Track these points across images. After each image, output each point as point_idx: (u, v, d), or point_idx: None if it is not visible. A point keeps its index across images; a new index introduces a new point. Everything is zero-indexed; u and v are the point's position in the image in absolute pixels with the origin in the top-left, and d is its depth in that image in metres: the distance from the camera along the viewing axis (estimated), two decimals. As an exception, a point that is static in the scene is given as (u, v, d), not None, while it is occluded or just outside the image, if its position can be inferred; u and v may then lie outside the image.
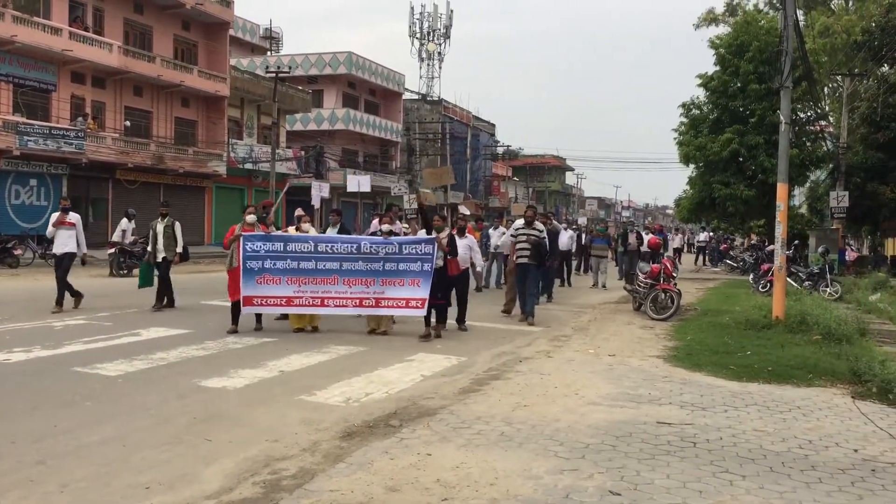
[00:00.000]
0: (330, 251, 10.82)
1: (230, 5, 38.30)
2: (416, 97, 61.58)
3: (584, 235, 25.21)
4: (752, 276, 21.37)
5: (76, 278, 20.07)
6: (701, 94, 30.60)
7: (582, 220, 33.96)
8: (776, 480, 4.99)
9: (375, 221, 14.11)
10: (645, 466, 5.20)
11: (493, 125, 73.64)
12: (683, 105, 31.00)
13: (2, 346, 9.16)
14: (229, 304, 11.10)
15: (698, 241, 41.87)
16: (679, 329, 12.08)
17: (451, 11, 66.50)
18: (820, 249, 22.32)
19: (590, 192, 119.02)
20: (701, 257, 39.27)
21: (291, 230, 11.88)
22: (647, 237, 19.37)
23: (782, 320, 11.59)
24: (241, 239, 10.64)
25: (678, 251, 39.95)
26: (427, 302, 10.64)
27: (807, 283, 19.93)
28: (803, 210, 39.63)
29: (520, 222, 13.40)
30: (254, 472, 4.99)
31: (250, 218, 11.13)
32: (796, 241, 30.58)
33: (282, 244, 10.81)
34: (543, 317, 13.81)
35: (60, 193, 29.74)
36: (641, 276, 14.63)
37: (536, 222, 13.24)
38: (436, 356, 9.48)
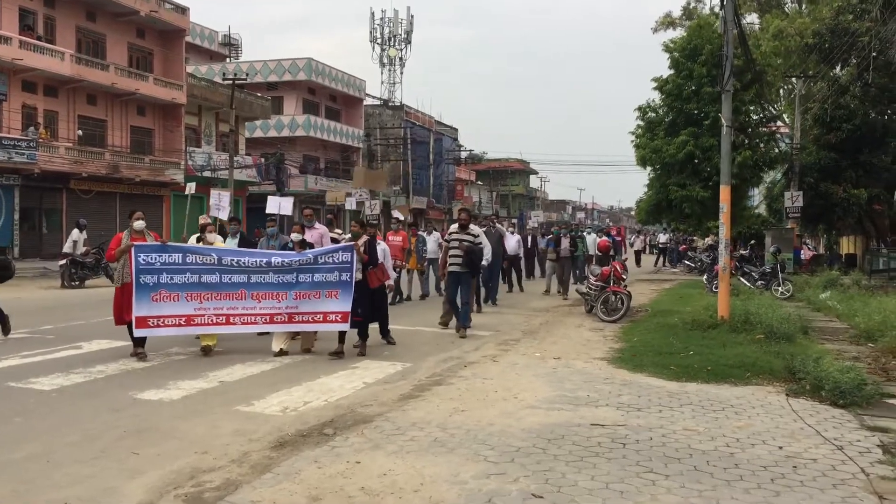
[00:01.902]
0: (236, 264, 9.62)
1: (185, 12, 37.96)
2: (377, 103, 61.53)
3: (538, 238, 24.97)
4: (705, 276, 21.62)
5: (28, 292, 19.72)
6: (657, 97, 30.98)
7: (533, 223, 33.75)
8: (698, 479, 5.07)
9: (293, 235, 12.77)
10: (571, 468, 5.25)
11: (456, 129, 73.80)
12: (640, 108, 31.34)
13: (-64, 362, 8.99)
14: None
15: (659, 243, 42.31)
16: (628, 331, 12.20)
17: (412, 17, 66.71)
18: (771, 249, 22.68)
19: (554, 195, 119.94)
20: (661, 258, 39.70)
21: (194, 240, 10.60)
22: (598, 240, 19.30)
23: (727, 320, 11.75)
24: (133, 250, 9.22)
25: (639, 253, 40.38)
26: (349, 315, 9.77)
27: (759, 282, 20.24)
28: (761, 210, 40.22)
29: (454, 227, 12.49)
30: (177, 484, 4.96)
31: (138, 224, 9.56)
32: (752, 241, 31.11)
33: (180, 255, 9.47)
34: (495, 321, 13.88)
35: (13, 205, 29.33)
36: (592, 279, 14.76)
37: (472, 226, 12.60)
38: (381, 363, 9.47)
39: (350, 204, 23.25)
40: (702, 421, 6.58)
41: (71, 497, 4.69)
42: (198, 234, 10.65)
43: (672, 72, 30.01)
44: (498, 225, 18.52)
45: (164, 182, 35.57)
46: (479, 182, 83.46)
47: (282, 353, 9.75)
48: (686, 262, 34.00)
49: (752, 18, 38.42)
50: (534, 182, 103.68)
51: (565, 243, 19.14)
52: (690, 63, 28.94)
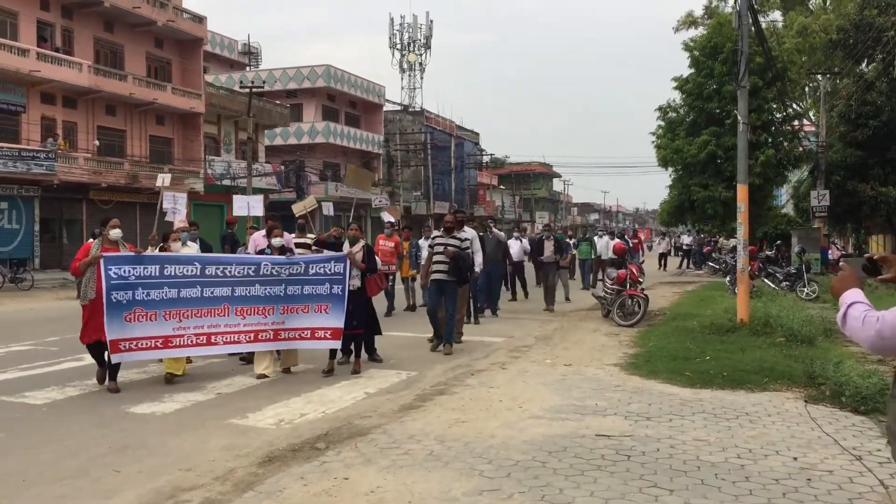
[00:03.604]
0: (220, 275, 8.57)
1: (203, 22, 38.05)
2: (397, 108, 61.45)
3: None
4: (728, 277, 21.15)
5: (43, 302, 19.73)
6: (677, 96, 30.53)
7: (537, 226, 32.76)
8: (704, 494, 4.75)
9: (257, 235, 11.10)
10: (570, 483, 4.96)
11: (478, 134, 73.65)
12: (660, 108, 30.92)
13: (-67, 375, 8.87)
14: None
15: (683, 245, 41.78)
16: (644, 335, 11.85)
17: (431, 22, 66.56)
18: (796, 249, 22.16)
19: (579, 198, 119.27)
20: (685, 260, 39.15)
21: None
22: (612, 242, 18.76)
23: (747, 323, 11.37)
24: (103, 262, 7.96)
25: (664, 255, 39.80)
26: (342, 332, 8.94)
27: (784, 283, 19.77)
28: (787, 210, 39.53)
29: (436, 231, 11.23)
30: (154, 504, 4.73)
31: (114, 233, 8.35)
32: (778, 241, 30.50)
33: (157, 267, 8.26)
34: (508, 327, 13.59)
35: (33, 216, 29.49)
36: (608, 282, 14.42)
37: (466, 228, 11.55)
38: (385, 371, 9.22)
39: (387, 217, 21.77)
40: (713, 430, 6.25)
41: (39, 519, 4.48)
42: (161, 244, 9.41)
43: (692, 71, 29.56)
44: (495, 230, 16.68)
45: (184, 191, 35.62)
46: (502, 186, 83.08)
47: (263, 377, 8.83)
48: (710, 263, 33.46)
49: (775, 16, 37.86)
50: (557, 185, 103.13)
51: (549, 247, 16.87)
52: (711, 61, 28.45)
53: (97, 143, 32.31)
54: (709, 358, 9.32)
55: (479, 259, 11.76)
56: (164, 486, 5.05)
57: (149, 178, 33.40)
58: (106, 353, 8.08)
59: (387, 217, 20.34)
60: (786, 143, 29.47)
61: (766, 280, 20.29)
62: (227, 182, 37.92)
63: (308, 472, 5.26)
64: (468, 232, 11.54)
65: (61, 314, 15.31)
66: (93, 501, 4.79)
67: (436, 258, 10.85)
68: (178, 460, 5.64)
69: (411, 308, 16.44)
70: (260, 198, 17.89)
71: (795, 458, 5.48)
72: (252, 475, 5.27)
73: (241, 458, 5.71)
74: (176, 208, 13.30)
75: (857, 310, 2.86)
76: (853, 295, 2.94)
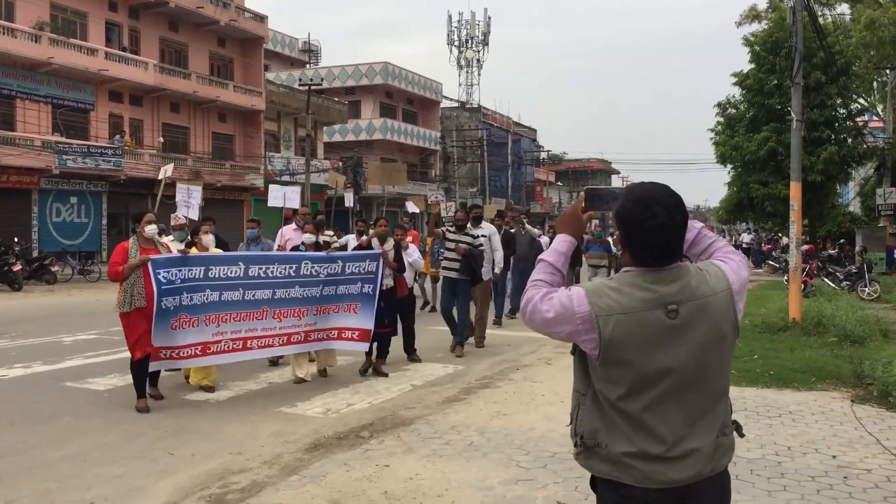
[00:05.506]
0: (263, 275, 7.82)
1: (264, 21, 38.89)
2: (454, 105, 61.69)
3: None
4: (786, 276, 20.81)
5: (109, 294, 20.38)
6: (737, 92, 30.04)
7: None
8: (738, 490, 4.75)
9: (287, 229, 10.54)
10: (605, 476, 5.05)
11: (535, 130, 73.51)
12: (719, 104, 30.46)
13: (5, 362, 9.35)
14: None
15: (743, 243, 41.14)
16: (693, 333, 11.78)
17: (489, 18, 66.67)
18: (857, 248, 21.71)
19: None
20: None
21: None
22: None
23: (799, 322, 11.25)
24: (151, 265, 6.93)
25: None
26: (369, 333, 8.47)
27: (844, 283, 19.38)
28: (854, 208, 38.59)
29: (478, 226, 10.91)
30: (205, 485, 4.99)
31: (149, 230, 7.18)
32: (842, 240, 29.82)
33: (202, 269, 7.37)
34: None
35: (101, 210, 30.53)
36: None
37: (485, 224, 11.19)
38: (432, 365, 9.40)
39: (411, 207, 21.15)
40: (753, 428, 6.26)
41: (97, 497, 4.77)
42: (187, 239, 8.51)
43: (753, 66, 29.08)
44: (528, 226, 14.99)
45: (245, 187, 36.47)
46: (559, 183, 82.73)
47: (301, 381, 8.33)
48: (770, 262, 32.93)
49: (843, 9, 36.95)
50: (616, 182, 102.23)
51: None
52: (772, 56, 27.94)
53: (161, 139, 33.27)
54: (756, 357, 9.27)
55: (498, 257, 11.30)
56: (215, 469, 5.32)
57: (211, 174, 34.32)
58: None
59: (411, 208, 18.85)
60: (850, 140, 28.78)
61: (825, 279, 19.92)
62: (286, 178, 38.63)
63: (351, 459, 5.47)
64: (486, 228, 11.16)
65: (125, 305, 15.89)
66: (148, 480, 5.08)
67: (447, 255, 10.46)
68: (229, 445, 5.91)
69: (426, 305, 15.27)
70: (297, 189, 16.73)
71: (834, 457, 5.48)
72: (298, 460, 5.50)
73: (289, 444, 5.95)
74: (189, 202, 11.86)
75: (537, 271, 2.34)
76: (557, 244, 2.38)
